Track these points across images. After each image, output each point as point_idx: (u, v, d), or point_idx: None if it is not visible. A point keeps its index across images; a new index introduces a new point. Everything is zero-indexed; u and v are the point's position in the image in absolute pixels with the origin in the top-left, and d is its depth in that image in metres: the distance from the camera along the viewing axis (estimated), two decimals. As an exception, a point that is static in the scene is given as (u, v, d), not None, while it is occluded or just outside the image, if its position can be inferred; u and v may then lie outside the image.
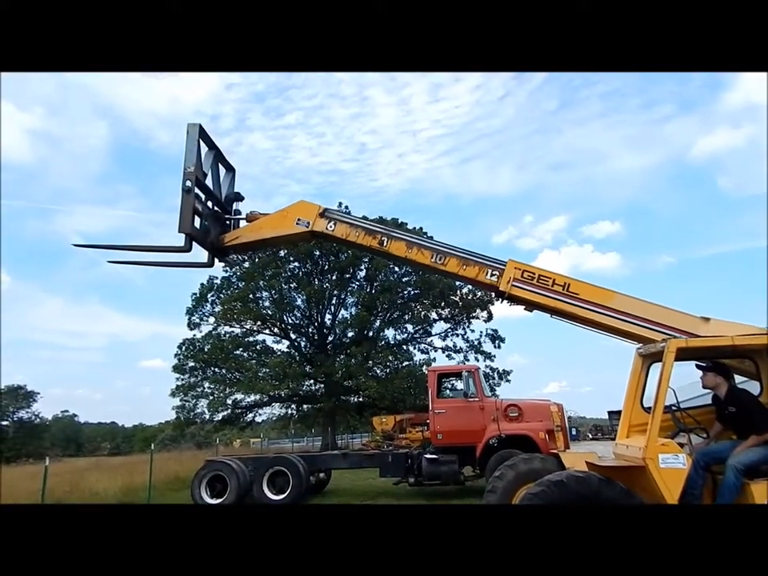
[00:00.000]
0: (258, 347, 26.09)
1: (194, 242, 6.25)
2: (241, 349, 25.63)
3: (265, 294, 26.30)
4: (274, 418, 29.49)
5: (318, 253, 25.82)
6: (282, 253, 25.78)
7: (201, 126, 6.26)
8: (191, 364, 25.55)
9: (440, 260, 6.16)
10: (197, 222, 6.26)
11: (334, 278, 26.22)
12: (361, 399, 25.42)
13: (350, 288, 26.63)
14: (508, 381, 25.75)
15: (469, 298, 26.07)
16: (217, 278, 26.75)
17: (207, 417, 25.65)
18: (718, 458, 4.46)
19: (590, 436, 36.47)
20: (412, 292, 26.46)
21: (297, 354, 26.47)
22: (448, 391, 13.97)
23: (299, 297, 26.50)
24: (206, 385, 25.30)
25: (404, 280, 26.43)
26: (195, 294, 26.54)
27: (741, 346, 4.73)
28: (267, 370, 23.69)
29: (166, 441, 46.37)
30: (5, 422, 51.15)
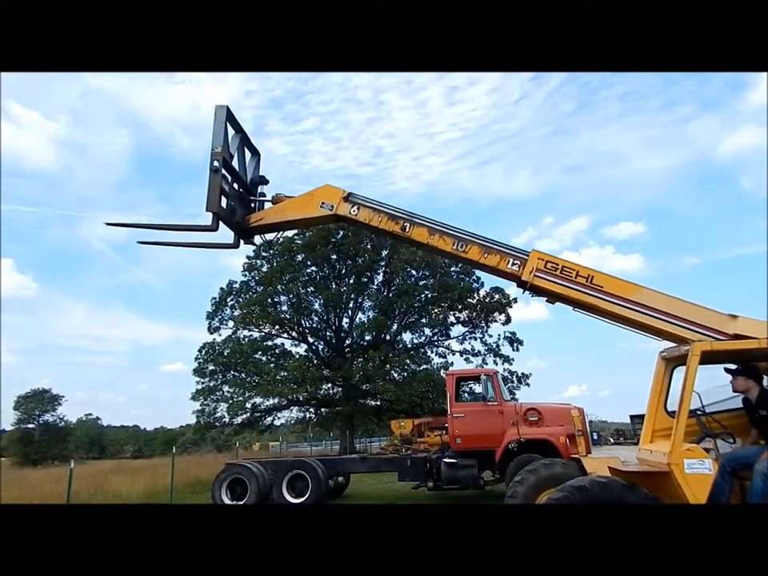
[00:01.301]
0: (276, 351, 26.30)
1: (220, 223, 6.40)
2: (260, 353, 25.85)
3: (283, 298, 26.51)
4: (293, 422, 29.63)
5: (335, 257, 25.98)
6: (299, 257, 26.01)
7: (228, 108, 6.39)
8: (211, 367, 25.85)
9: (461, 247, 6.14)
10: (223, 202, 6.41)
11: (351, 281, 26.32)
12: (379, 403, 25.41)
13: (367, 292, 26.69)
14: (527, 384, 25.51)
15: (487, 300, 25.93)
16: (236, 282, 27.15)
17: (227, 420, 25.90)
18: (746, 463, 4.36)
19: (612, 441, 35.89)
20: (429, 295, 26.38)
21: (315, 357, 26.60)
22: (467, 395, 13.89)
23: (317, 301, 26.65)
24: (226, 388, 25.58)
25: (421, 283, 26.41)
26: (215, 298, 26.91)
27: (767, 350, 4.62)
28: (286, 374, 23.84)
29: (187, 444, 47.00)
30: (31, 425, 52.31)
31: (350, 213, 6.48)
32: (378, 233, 6.67)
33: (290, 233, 26.10)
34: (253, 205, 7.05)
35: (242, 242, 6.86)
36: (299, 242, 25.88)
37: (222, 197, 6.33)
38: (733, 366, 4.83)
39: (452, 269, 26.54)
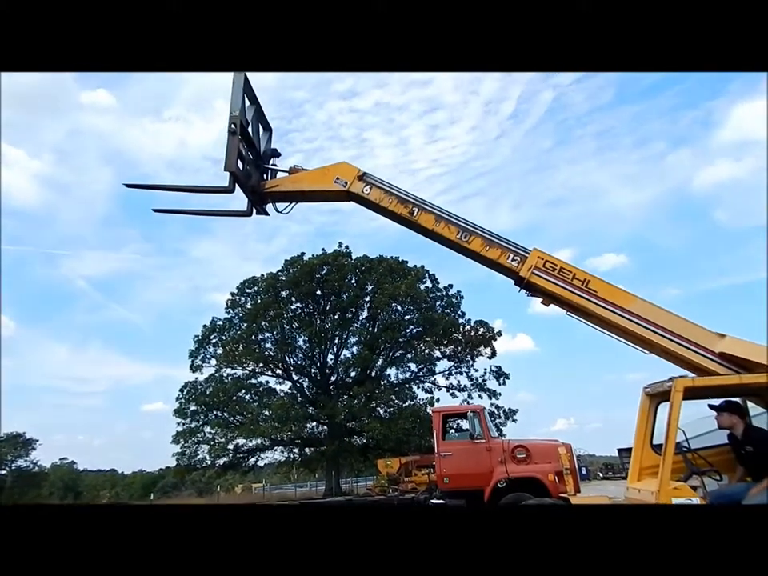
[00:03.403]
0: (260, 389, 25.80)
1: (236, 186, 6.53)
2: (243, 391, 25.34)
3: (267, 334, 26.23)
4: (277, 463, 28.81)
5: (319, 293, 25.90)
6: (283, 293, 25.89)
7: (246, 77, 6.57)
8: (193, 408, 25.20)
9: (465, 237, 6.22)
10: (240, 166, 6.53)
11: (336, 317, 26.17)
12: (365, 441, 24.91)
13: (352, 327, 26.54)
14: (514, 420, 25.26)
15: (471, 334, 25.93)
16: (219, 319, 26.81)
17: (209, 462, 25.10)
18: (733, 501, 4.32)
19: (601, 475, 35.50)
20: (414, 330, 26.32)
21: (299, 395, 26.14)
22: (453, 431, 13.69)
23: (301, 337, 26.40)
24: (207, 429, 24.89)
25: (406, 318, 26.37)
26: (197, 335, 26.49)
27: (750, 385, 4.67)
28: (269, 413, 23.33)
29: (166, 488, 45.27)
30: (3, 471, 50.04)
31: (362, 191, 6.61)
32: (387, 215, 6.73)
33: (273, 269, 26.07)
34: (265, 176, 7.19)
35: (254, 211, 6.98)
36: (283, 278, 25.85)
37: (239, 161, 6.46)
38: (717, 402, 4.85)
39: (437, 303, 26.66)
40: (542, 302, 6.16)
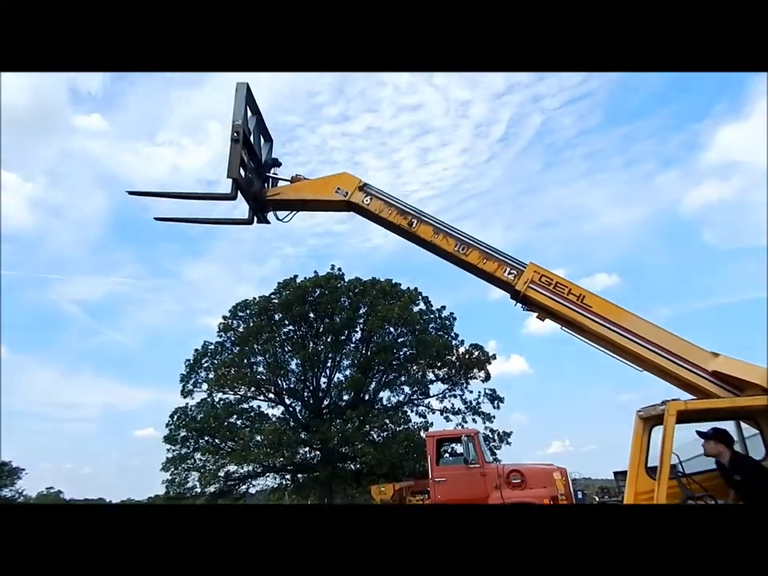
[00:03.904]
0: (252, 414, 25.43)
1: (238, 193, 6.57)
2: (234, 416, 24.96)
3: (259, 358, 25.98)
4: (268, 490, 28.22)
5: (312, 315, 25.79)
6: (276, 317, 25.75)
7: (248, 87, 6.69)
8: (183, 434, 24.76)
9: (463, 250, 6.27)
10: (242, 174, 6.59)
11: (328, 340, 26.02)
12: (358, 466, 24.51)
13: (345, 350, 26.37)
14: (509, 443, 25.01)
15: (466, 357, 25.83)
16: (211, 343, 26.56)
17: (198, 490, 24.55)
18: None
19: (597, 499, 35.05)
20: (408, 352, 26.19)
21: (292, 419, 25.78)
22: (448, 456, 13.51)
23: (294, 360, 26.16)
24: (198, 456, 24.41)
25: (400, 340, 26.26)
26: (189, 360, 26.19)
27: (743, 408, 4.65)
28: (261, 438, 22.95)
29: (154, 516, 44.09)
30: (-14, 501, 48.66)
31: (362, 201, 6.66)
32: (386, 226, 6.80)
33: (264, 295, 26.00)
34: (267, 185, 7.27)
35: (255, 219, 7.02)
36: (276, 301, 25.75)
37: (241, 169, 6.54)
38: (705, 428, 4.82)
39: (430, 325, 26.59)
40: (537, 317, 6.18)
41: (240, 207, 7.04)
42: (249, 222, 7.01)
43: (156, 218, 7.13)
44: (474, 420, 25.23)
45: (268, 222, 7.28)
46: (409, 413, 26.55)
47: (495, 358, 26.34)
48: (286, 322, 25.93)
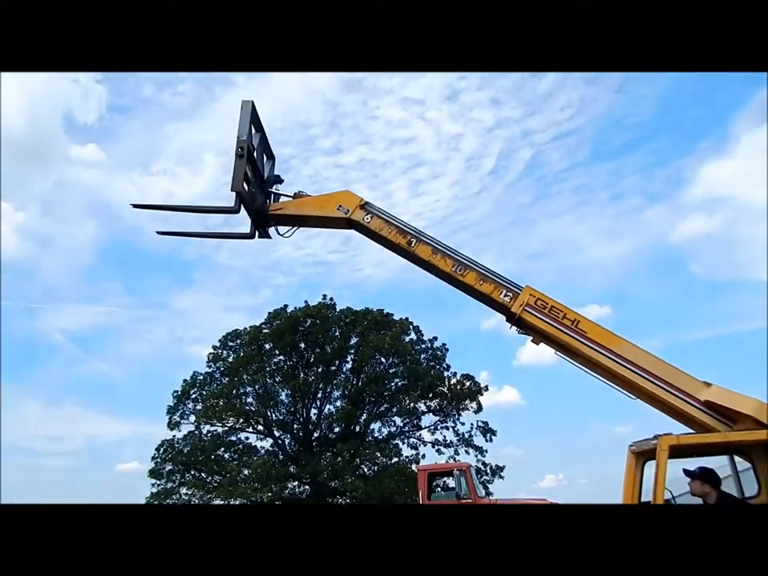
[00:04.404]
0: (240, 447, 24.89)
1: (241, 207, 6.70)
2: (222, 449, 24.41)
3: (249, 389, 25.59)
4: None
5: (303, 345, 25.57)
6: (267, 346, 25.49)
7: (253, 105, 6.85)
8: (169, 467, 24.13)
9: (460, 271, 6.30)
10: (245, 188, 6.69)
11: (319, 370, 25.74)
12: (348, 501, 23.92)
13: (335, 381, 26.07)
14: (501, 477, 24.55)
15: (458, 388, 25.61)
16: (200, 373, 26.17)
17: (183, 526, 23.76)
18: None
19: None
20: (399, 383, 25.92)
21: (281, 452, 25.24)
22: (440, 490, 13.23)
23: (284, 391, 25.78)
24: (183, 490, 23.73)
25: (391, 371, 26.03)
26: (176, 391, 25.73)
27: (736, 442, 4.61)
28: (249, 472, 22.39)
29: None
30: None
31: (362, 219, 6.73)
32: (385, 244, 6.87)
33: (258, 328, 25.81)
34: (269, 200, 7.37)
35: (257, 234, 7.12)
36: (267, 330, 25.54)
37: (244, 183, 6.65)
38: (692, 467, 4.74)
39: (422, 356, 26.41)
40: (531, 340, 6.20)
41: (243, 222, 7.21)
42: (250, 236, 7.11)
43: (158, 232, 7.20)
44: (467, 452, 24.89)
45: (269, 237, 7.40)
46: (400, 445, 26.15)
47: (487, 389, 26.14)
48: (277, 352, 25.66)
